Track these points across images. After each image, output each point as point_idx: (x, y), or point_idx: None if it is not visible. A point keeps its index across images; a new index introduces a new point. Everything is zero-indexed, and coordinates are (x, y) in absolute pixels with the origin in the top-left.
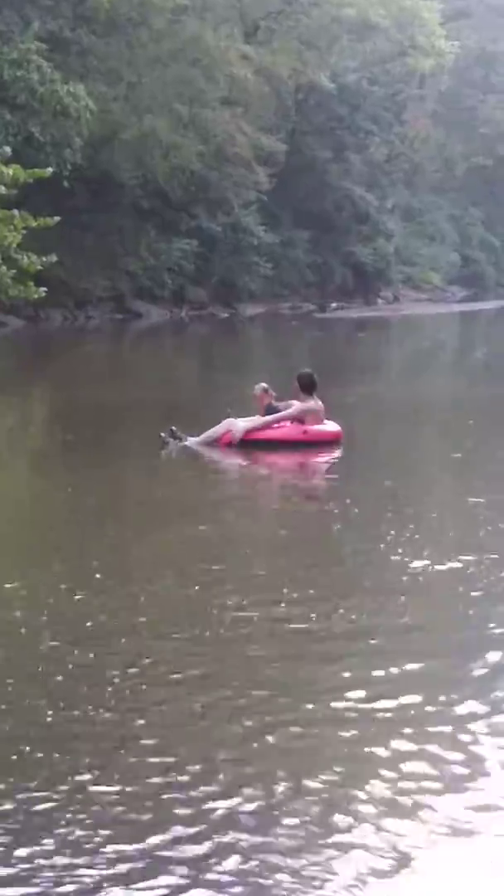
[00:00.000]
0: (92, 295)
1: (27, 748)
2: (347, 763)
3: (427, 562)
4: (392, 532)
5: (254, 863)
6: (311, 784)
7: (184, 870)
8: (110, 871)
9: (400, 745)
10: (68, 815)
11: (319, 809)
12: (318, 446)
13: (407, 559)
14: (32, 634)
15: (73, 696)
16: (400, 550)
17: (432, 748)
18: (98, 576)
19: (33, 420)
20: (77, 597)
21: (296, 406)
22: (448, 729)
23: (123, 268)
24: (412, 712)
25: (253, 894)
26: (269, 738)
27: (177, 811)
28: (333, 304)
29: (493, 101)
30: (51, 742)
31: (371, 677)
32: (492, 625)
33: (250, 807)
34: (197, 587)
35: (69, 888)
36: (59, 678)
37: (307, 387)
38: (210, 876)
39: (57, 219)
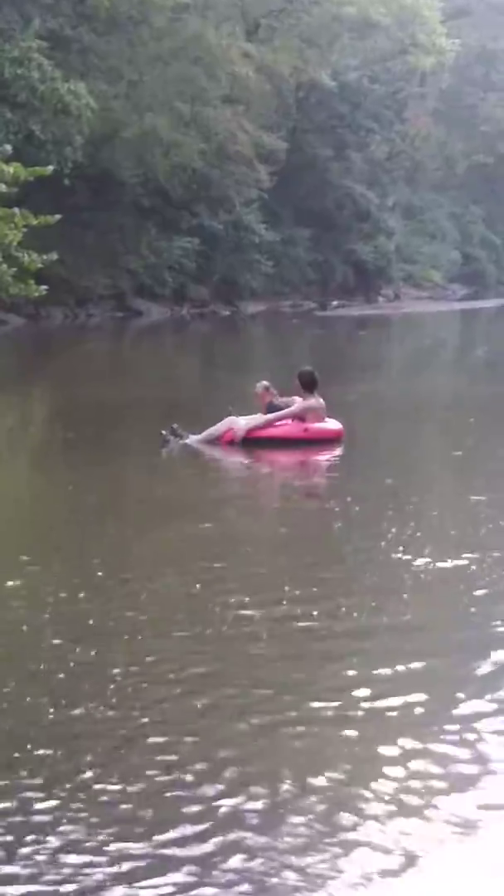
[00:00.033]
0: (93, 293)
1: (29, 746)
2: (352, 762)
3: (428, 560)
4: (393, 530)
5: (259, 861)
6: (316, 783)
7: (188, 868)
8: (114, 870)
9: (405, 743)
10: (71, 814)
11: (324, 808)
12: (319, 444)
13: (408, 557)
14: (34, 632)
15: (74, 695)
16: (401, 548)
17: (437, 747)
18: (99, 574)
19: (34, 418)
20: (78, 595)
21: (297, 404)
22: (453, 728)
23: (124, 266)
24: (416, 711)
25: (258, 893)
26: (273, 737)
27: (181, 809)
28: (334, 302)
29: (493, 99)
30: (53, 740)
31: (374, 676)
32: (495, 623)
33: (255, 805)
34: (198, 585)
35: (73, 887)
36: (61, 676)
37: (308, 385)
38: (215, 875)
39: (58, 217)
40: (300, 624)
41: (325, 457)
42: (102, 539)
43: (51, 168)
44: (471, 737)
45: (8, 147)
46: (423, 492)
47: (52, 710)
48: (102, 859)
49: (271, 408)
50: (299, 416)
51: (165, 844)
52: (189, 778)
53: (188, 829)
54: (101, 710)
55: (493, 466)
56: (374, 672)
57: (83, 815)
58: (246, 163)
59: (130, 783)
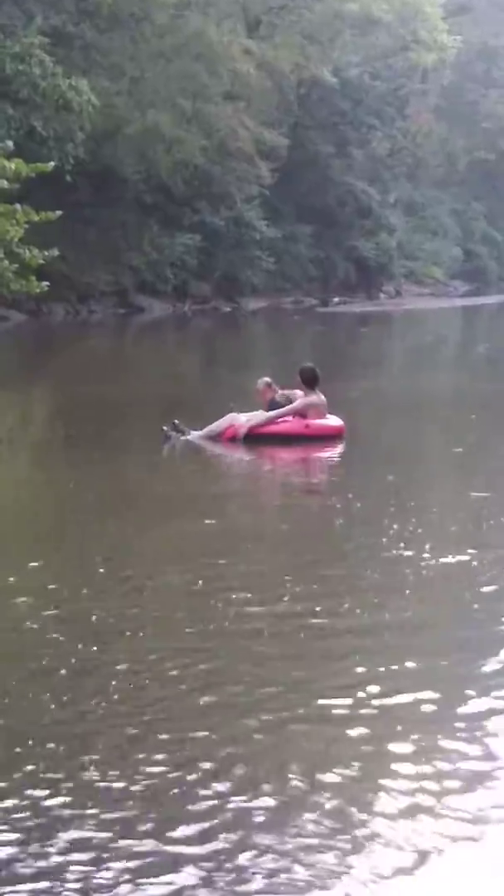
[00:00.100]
0: (94, 289)
1: (33, 744)
2: (360, 760)
3: (430, 557)
4: (395, 527)
5: (267, 859)
6: (324, 780)
7: (196, 867)
8: (121, 869)
9: (413, 741)
10: (78, 813)
11: (333, 806)
12: (320, 441)
13: (410, 554)
14: (36, 630)
15: (78, 693)
16: (402, 545)
17: (445, 745)
18: (101, 570)
19: (35, 415)
20: (80, 592)
21: (299, 401)
22: (460, 725)
23: (126, 262)
24: (423, 709)
25: (266, 891)
26: (280, 735)
27: (188, 808)
28: (336, 299)
29: (494, 96)
30: (57, 738)
31: (379, 674)
32: (498, 620)
33: (263, 803)
34: (201, 581)
35: (80, 885)
36: (64, 673)
37: (309, 381)
38: (223, 873)
39: (59, 213)
40: (303, 621)
41: (326, 453)
42: (104, 536)
43: (52, 164)
44: (478, 734)
45: (10, 143)
46: (425, 489)
47: (55, 708)
48: (109, 858)
49: (272, 405)
50: (301, 413)
51: (173, 843)
52: (196, 776)
53: (196, 828)
54: (105, 708)
55: (495, 463)
56: (379, 670)
57: (89, 813)
58: (247, 159)
59: (136, 781)
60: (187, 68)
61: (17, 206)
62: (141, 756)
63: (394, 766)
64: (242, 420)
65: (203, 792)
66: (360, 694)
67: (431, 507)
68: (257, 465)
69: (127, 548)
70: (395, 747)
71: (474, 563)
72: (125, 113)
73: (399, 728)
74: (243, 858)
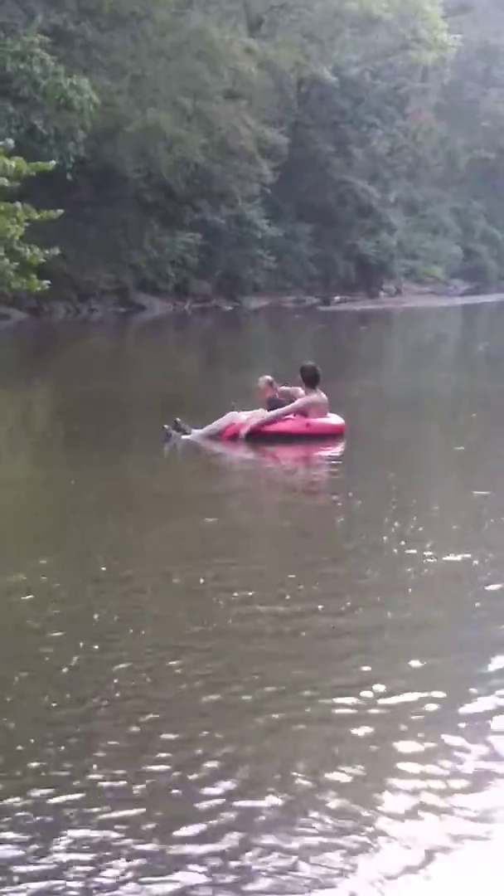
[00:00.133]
0: (95, 288)
1: (36, 744)
2: (365, 759)
3: (432, 555)
4: (396, 525)
5: (272, 859)
6: (329, 781)
7: (200, 867)
8: (126, 868)
9: (417, 741)
10: (81, 813)
11: (338, 806)
12: (321, 439)
13: (411, 553)
14: (39, 629)
15: (80, 692)
16: (403, 543)
17: (449, 744)
18: (103, 569)
19: (36, 414)
20: (82, 591)
21: (299, 399)
22: (463, 725)
23: (127, 261)
24: (427, 709)
25: (272, 890)
26: (284, 735)
27: (193, 807)
28: (336, 298)
29: (494, 95)
30: (60, 738)
31: (382, 674)
32: (500, 620)
33: (267, 803)
34: (202, 580)
35: (84, 885)
36: (67, 673)
37: (310, 380)
38: (227, 873)
39: (60, 211)
40: (305, 620)
41: (327, 452)
42: (105, 535)
43: (53, 163)
44: (483, 733)
45: (10, 141)
46: (426, 487)
47: (58, 708)
48: (113, 857)
49: (273, 403)
50: (301, 412)
51: (177, 842)
52: (200, 775)
53: (200, 827)
54: (108, 708)
55: (496, 462)
56: (382, 669)
57: (93, 812)
58: (248, 158)
59: (140, 781)
60: (188, 67)
61: (18, 204)
62: (144, 756)
63: (399, 766)
64: (243, 419)
65: (207, 791)
66: (364, 693)
67: (432, 506)
68: (258, 464)
69: (128, 547)
70: (400, 747)
71: (476, 561)
72: (126, 111)
73: (403, 727)
74: (248, 858)
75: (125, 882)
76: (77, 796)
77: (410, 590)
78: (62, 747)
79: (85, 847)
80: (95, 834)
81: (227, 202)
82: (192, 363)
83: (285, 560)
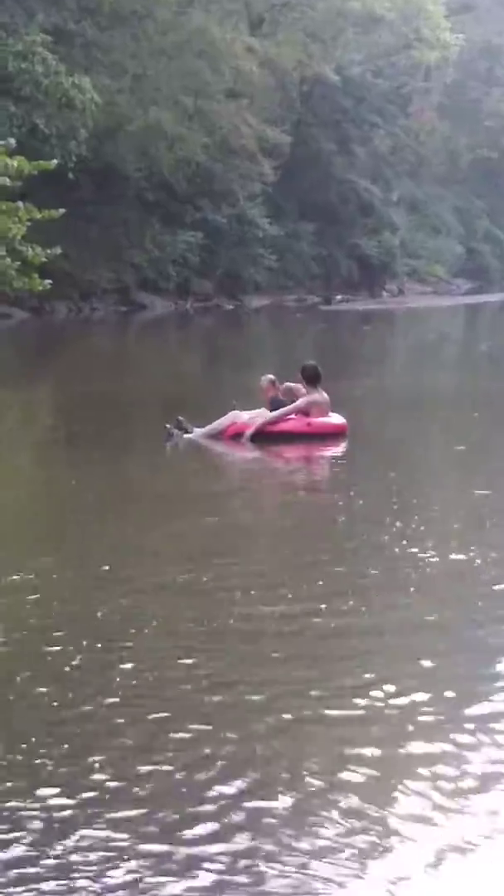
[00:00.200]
0: (97, 287)
1: (40, 746)
2: (375, 761)
3: (434, 555)
4: (398, 525)
5: (283, 859)
6: (339, 781)
7: (208, 869)
8: (134, 869)
9: (428, 742)
10: (86, 814)
11: (349, 806)
12: (322, 439)
13: (413, 552)
14: (41, 629)
15: (84, 693)
16: (405, 543)
17: (459, 744)
18: (105, 568)
19: (37, 413)
20: (83, 591)
21: (301, 399)
22: (471, 725)
23: (128, 260)
24: (435, 709)
25: (282, 891)
26: (291, 736)
27: (202, 808)
28: (338, 297)
29: (497, 94)
30: (63, 739)
31: (388, 674)
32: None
33: (277, 803)
34: (204, 580)
35: (90, 886)
36: (70, 672)
37: (312, 379)
38: (238, 874)
39: (62, 211)
40: (307, 621)
41: (328, 452)
42: (107, 534)
43: (55, 162)
44: (492, 734)
45: (12, 141)
46: (427, 487)
47: (62, 708)
48: (120, 859)
49: (275, 402)
50: (303, 411)
51: (186, 843)
52: (207, 776)
53: (209, 828)
54: (113, 707)
55: (498, 461)
56: (387, 670)
57: (99, 813)
58: (249, 157)
59: (146, 781)
60: (189, 66)
61: (20, 203)
62: (150, 755)
63: (409, 766)
64: (245, 418)
65: (216, 792)
66: (372, 693)
67: (434, 506)
68: (259, 464)
69: (130, 546)
70: (409, 747)
71: (478, 561)
72: (127, 110)
73: (412, 728)
74: (259, 858)
75: (133, 883)
76: (83, 796)
77: (413, 589)
78: (66, 747)
79: (92, 848)
80: (102, 834)
81: (229, 201)
82: (194, 362)
83: (286, 560)
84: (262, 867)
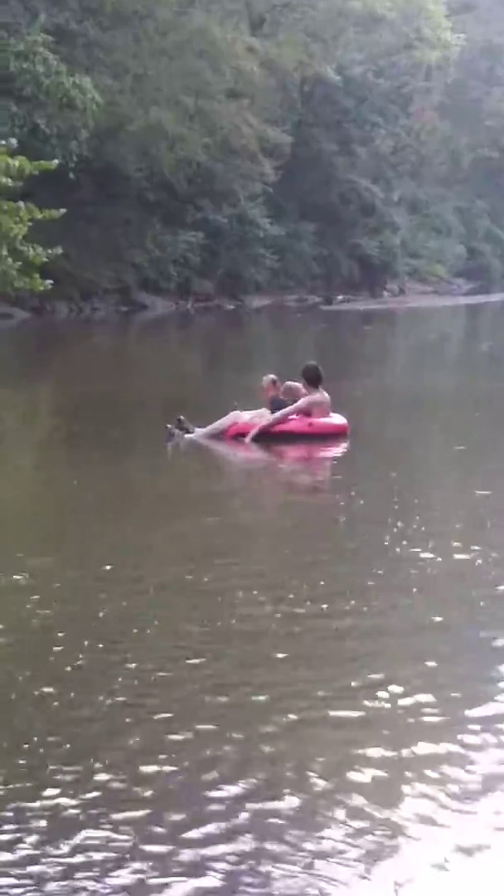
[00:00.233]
0: (97, 287)
1: (43, 747)
2: (381, 762)
3: (435, 555)
4: (399, 525)
5: (289, 860)
6: (345, 782)
7: (216, 868)
8: (138, 870)
9: (433, 743)
10: (90, 816)
11: (355, 807)
12: (323, 439)
13: (414, 552)
14: (42, 629)
15: (86, 693)
16: (406, 543)
17: (466, 745)
18: (106, 568)
19: (38, 413)
20: (84, 591)
21: (302, 399)
22: (479, 726)
23: (129, 260)
24: (440, 711)
25: (289, 892)
26: (296, 737)
27: (207, 809)
28: (339, 297)
29: (498, 94)
30: (67, 740)
31: (391, 675)
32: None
33: (283, 804)
34: (206, 580)
35: (95, 887)
36: (72, 673)
37: (313, 379)
38: (243, 875)
39: (62, 211)
40: (309, 622)
41: (329, 452)
42: (108, 534)
43: (56, 162)
44: (497, 735)
45: (13, 140)
46: (428, 487)
47: (64, 708)
48: (124, 860)
49: (276, 402)
50: (304, 411)
51: (191, 844)
52: (212, 777)
53: (214, 829)
54: (115, 708)
55: (498, 462)
56: (392, 671)
57: (104, 814)
58: (250, 157)
59: (150, 782)
60: (190, 66)
61: (21, 203)
62: (154, 756)
63: (414, 767)
64: (246, 418)
65: (221, 793)
66: (375, 695)
67: (435, 506)
68: (260, 464)
69: (131, 547)
70: (415, 748)
71: (479, 561)
72: (128, 110)
73: (417, 729)
74: (264, 859)
75: (137, 884)
76: (87, 797)
77: (414, 590)
78: (69, 747)
79: (96, 848)
80: (106, 836)
81: (230, 201)
82: (195, 362)
83: (287, 560)
84: (269, 868)
